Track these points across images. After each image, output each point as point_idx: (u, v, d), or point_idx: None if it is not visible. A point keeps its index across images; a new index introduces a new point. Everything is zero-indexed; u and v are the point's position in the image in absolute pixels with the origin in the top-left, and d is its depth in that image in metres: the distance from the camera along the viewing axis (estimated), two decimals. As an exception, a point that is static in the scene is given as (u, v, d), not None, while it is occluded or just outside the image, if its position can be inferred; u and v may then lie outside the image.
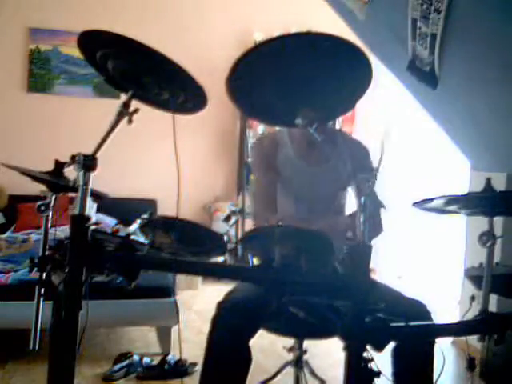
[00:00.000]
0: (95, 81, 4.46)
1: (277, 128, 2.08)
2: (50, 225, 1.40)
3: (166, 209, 4.30)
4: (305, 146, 1.91)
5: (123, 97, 1.27)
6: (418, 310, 1.64)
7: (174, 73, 1.18)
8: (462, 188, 3.41)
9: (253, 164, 2.06)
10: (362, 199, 1.11)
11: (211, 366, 1.62)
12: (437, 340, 1.58)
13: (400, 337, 1.24)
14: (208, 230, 1.41)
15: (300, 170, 1.90)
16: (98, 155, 1.17)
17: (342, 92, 1.19)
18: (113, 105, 1.25)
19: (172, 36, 4.41)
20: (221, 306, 1.66)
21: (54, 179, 1.35)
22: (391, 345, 1.30)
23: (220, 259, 1.33)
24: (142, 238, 1.32)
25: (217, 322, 1.63)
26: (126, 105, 1.24)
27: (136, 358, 2.68)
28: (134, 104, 1.26)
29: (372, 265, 1.09)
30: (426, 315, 1.63)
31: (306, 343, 1.87)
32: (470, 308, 1.31)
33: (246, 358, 1.61)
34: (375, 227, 1.86)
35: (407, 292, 1.72)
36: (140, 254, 1.20)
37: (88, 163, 1.15)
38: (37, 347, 1.35)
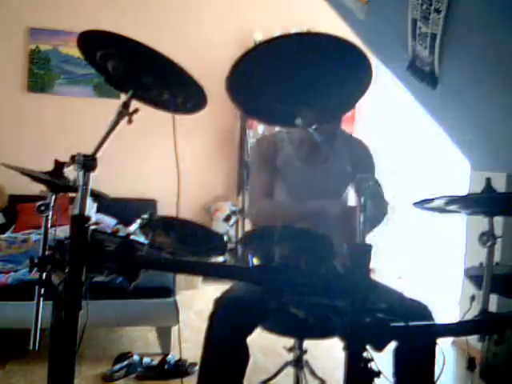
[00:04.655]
0: (95, 81, 4.46)
1: (276, 129, 2.08)
2: (49, 225, 1.40)
3: (166, 209, 4.31)
4: (305, 145, 1.91)
5: (123, 97, 1.27)
6: (419, 311, 1.64)
7: (174, 73, 1.18)
8: (462, 188, 3.41)
9: (251, 164, 2.06)
10: (362, 199, 1.11)
11: (209, 362, 1.63)
12: (437, 340, 1.58)
13: (400, 337, 1.24)
14: (208, 229, 1.41)
15: (300, 170, 1.91)
16: (98, 155, 1.17)
17: (342, 92, 1.19)
18: (113, 105, 1.26)
19: (172, 36, 4.41)
20: (218, 302, 1.67)
21: (54, 179, 1.35)
22: (392, 345, 1.30)
23: (220, 259, 1.33)
24: (141, 238, 1.32)
25: (214, 318, 1.63)
26: (125, 105, 1.24)
27: (136, 358, 2.69)
28: (134, 104, 1.26)
29: (372, 265, 1.09)
30: (427, 316, 1.63)
31: (306, 343, 1.87)
32: (469, 308, 1.31)
33: (243, 355, 1.61)
34: (380, 206, 1.87)
35: (408, 292, 1.72)
36: (140, 254, 1.20)
37: (88, 163, 1.15)
38: (37, 347, 1.35)
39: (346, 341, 1.07)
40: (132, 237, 1.22)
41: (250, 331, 1.62)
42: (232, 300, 1.67)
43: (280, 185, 1.91)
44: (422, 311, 1.65)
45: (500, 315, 1.24)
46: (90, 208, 1.18)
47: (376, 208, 1.84)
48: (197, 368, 2.61)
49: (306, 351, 1.88)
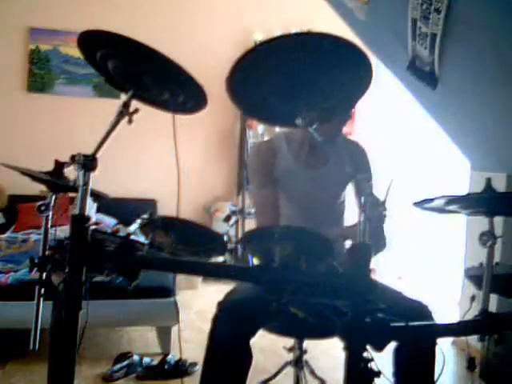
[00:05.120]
0: (95, 81, 4.46)
1: (276, 130, 2.06)
2: (50, 225, 1.40)
3: (166, 209, 4.31)
4: (303, 149, 1.91)
5: (123, 97, 1.27)
6: (420, 311, 1.64)
7: (174, 73, 1.18)
8: (462, 188, 3.41)
9: (251, 175, 2.03)
10: (362, 199, 1.11)
11: (212, 365, 1.62)
12: (437, 340, 1.58)
13: (400, 337, 1.24)
14: (208, 229, 1.41)
15: (299, 174, 1.90)
16: (98, 155, 1.17)
17: (342, 92, 1.19)
18: (113, 105, 1.26)
19: (172, 36, 4.41)
20: (221, 305, 1.66)
21: (54, 179, 1.35)
22: (392, 345, 1.30)
23: (220, 259, 1.33)
24: (141, 238, 1.32)
25: (217, 321, 1.63)
26: (126, 105, 1.24)
27: (136, 358, 2.68)
28: (134, 104, 1.26)
29: (372, 265, 1.09)
30: (428, 316, 1.63)
31: (306, 343, 1.87)
32: (470, 308, 1.31)
33: (246, 357, 1.61)
34: (378, 242, 1.87)
35: (408, 292, 1.72)
36: (140, 254, 1.20)
37: (88, 163, 1.15)
38: (37, 347, 1.35)
39: (346, 341, 1.07)
40: (132, 237, 1.22)
41: (253, 334, 1.62)
42: (235, 303, 1.67)
43: (280, 190, 1.91)
44: (422, 311, 1.65)
45: (500, 315, 1.24)
46: (90, 208, 1.18)
47: (376, 237, 1.81)
48: (197, 368, 2.63)
49: (305, 351, 1.88)
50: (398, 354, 1.64)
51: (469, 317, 1.27)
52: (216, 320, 1.63)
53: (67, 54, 4.45)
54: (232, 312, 1.62)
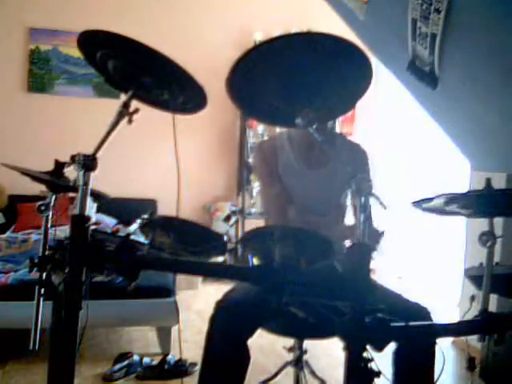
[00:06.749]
0: (95, 81, 4.46)
1: (277, 130, 2.06)
2: (49, 225, 1.40)
3: (166, 209, 4.30)
4: (305, 148, 1.91)
5: (123, 97, 1.27)
6: (419, 313, 1.64)
7: (174, 73, 1.18)
8: (462, 188, 3.41)
9: (257, 173, 2.04)
10: (362, 199, 1.11)
11: (210, 365, 1.62)
12: (437, 340, 1.58)
13: (400, 337, 1.24)
14: (208, 229, 1.41)
15: (300, 173, 1.90)
16: (98, 155, 1.17)
17: (342, 92, 1.19)
18: (113, 105, 1.26)
19: (172, 36, 4.41)
20: (219, 305, 1.66)
21: (54, 179, 1.35)
22: (392, 345, 1.30)
23: (220, 259, 1.33)
24: (141, 238, 1.32)
25: (215, 321, 1.62)
26: (126, 105, 1.24)
27: (136, 358, 2.69)
28: (134, 104, 1.26)
29: (372, 265, 1.09)
30: (427, 318, 1.63)
31: (306, 343, 1.87)
32: (470, 308, 1.31)
33: (244, 358, 1.61)
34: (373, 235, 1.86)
35: (407, 294, 1.72)
36: (140, 254, 1.20)
37: (88, 163, 1.15)
38: (37, 347, 1.35)
39: (346, 341, 1.07)
40: (132, 237, 1.22)
41: (250, 334, 1.62)
42: (233, 303, 1.66)
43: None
44: (421, 313, 1.64)
45: (500, 315, 1.24)
46: (90, 208, 1.18)
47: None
48: (197, 368, 2.63)
49: (305, 351, 1.88)
50: (398, 355, 1.63)
51: (469, 317, 1.27)
52: (213, 320, 1.63)
53: (67, 54, 4.45)
54: (229, 312, 1.62)
